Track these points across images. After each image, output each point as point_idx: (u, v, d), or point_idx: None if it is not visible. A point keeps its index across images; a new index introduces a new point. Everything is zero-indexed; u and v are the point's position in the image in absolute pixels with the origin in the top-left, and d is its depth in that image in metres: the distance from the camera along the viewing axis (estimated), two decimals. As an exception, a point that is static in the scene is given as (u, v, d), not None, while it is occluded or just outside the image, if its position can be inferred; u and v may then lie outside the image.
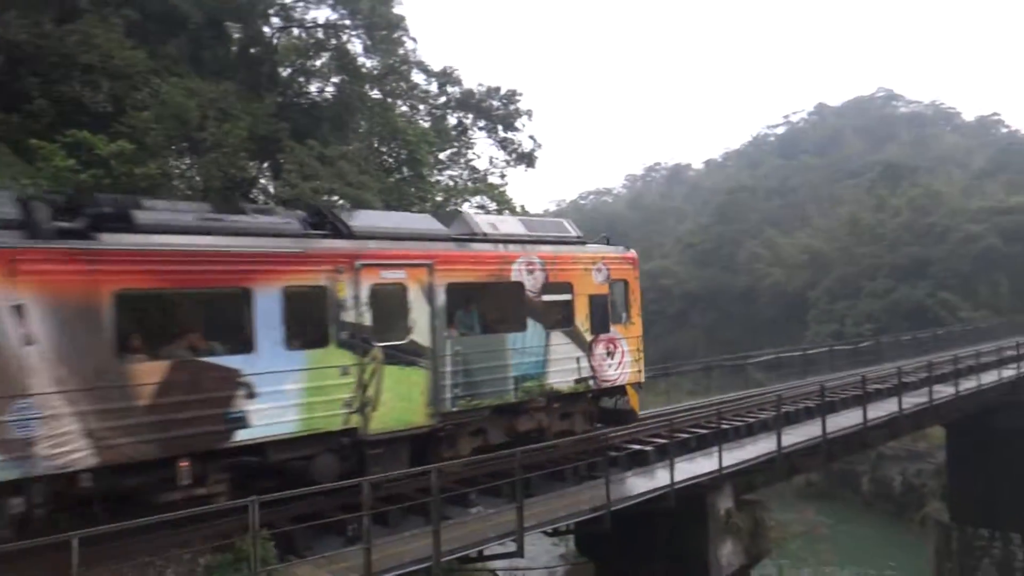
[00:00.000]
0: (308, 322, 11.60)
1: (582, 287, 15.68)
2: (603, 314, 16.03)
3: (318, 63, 25.46)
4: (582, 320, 15.60)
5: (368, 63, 27.18)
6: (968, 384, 23.84)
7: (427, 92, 31.17)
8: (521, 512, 10.96)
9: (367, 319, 12.07)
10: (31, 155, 16.64)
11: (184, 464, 10.07)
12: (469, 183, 31.86)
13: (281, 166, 21.16)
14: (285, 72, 24.93)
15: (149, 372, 9.86)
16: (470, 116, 32.21)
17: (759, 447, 16.80)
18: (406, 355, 12.59)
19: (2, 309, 8.80)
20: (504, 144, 32.62)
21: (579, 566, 20.99)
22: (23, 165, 16.80)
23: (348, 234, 12.50)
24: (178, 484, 10.06)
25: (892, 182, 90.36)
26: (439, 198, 28.47)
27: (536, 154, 32.89)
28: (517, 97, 32.03)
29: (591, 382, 15.70)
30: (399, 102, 29.34)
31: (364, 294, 12.09)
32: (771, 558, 18.37)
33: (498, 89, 32.03)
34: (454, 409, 13.19)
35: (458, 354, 13.33)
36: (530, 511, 11.53)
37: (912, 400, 21.07)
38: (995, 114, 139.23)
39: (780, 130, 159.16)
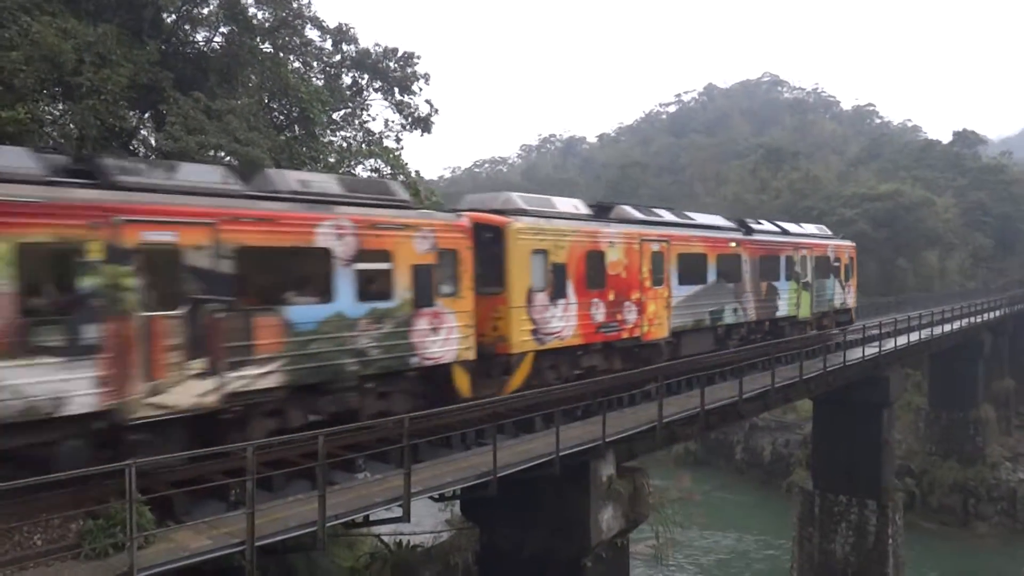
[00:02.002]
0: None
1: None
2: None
3: (205, 11, 24.18)
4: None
5: (260, 15, 26.09)
6: (835, 361, 25.38)
7: (321, 49, 30.14)
8: (408, 478, 11.02)
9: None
10: None
11: None
12: (364, 145, 31.18)
13: (164, 117, 20.09)
14: (169, 18, 23.55)
15: None
16: (366, 77, 31.39)
17: (640, 416, 17.40)
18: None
19: None
20: (400, 107, 32.03)
21: (464, 531, 21.27)
22: None
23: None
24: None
25: (774, 165, 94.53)
26: (332, 159, 27.78)
27: (433, 119, 32.48)
28: (415, 60, 31.46)
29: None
30: (291, 57, 28.26)
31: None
32: (648, 523, 19.13)
33: (395, 51, 31.33)
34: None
35: None
36: (417, 476, 11.64)
37: (784, 375, 22.28)
38: (870, 104, 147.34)
39: (671, 108, 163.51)
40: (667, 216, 23.09)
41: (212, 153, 19.40)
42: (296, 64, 28.10)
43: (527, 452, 14.12)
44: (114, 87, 18.38)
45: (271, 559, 9.95)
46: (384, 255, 14.23)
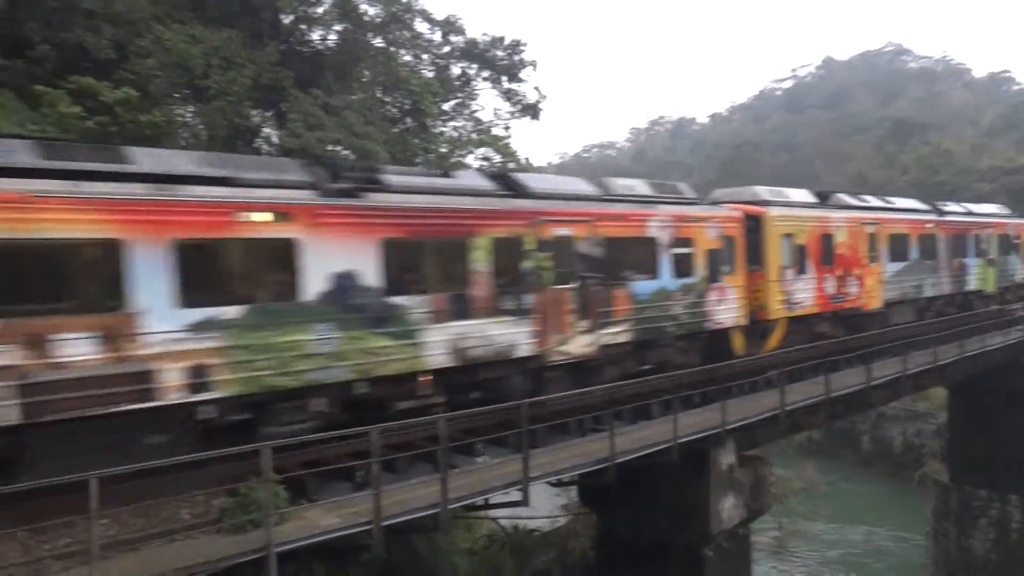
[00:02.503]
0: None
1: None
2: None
3: (320, 10, 25.00)
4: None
5: (371, 11, 26.72)
6: (973, 346, 23.85)
7: (430, 41, 30.60)
8: (527, 462, 11.10)
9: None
10: (36, 101, 16.49)
11: None
12: (473, 135, 31.55)
13: (285, 115, 20.94)
14: (287, 20, 24.49)
15: None
16: (474, 66, 31.67)
17: (762, 403, 16.90)
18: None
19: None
20: (508, 95, 32.16)
21: (581, 517, 21.27)
22: (28, 111, 16.67)
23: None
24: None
25: (901, 139, 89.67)
26: (443, 149, 28.23)
27: (540, 106, 32.46)
28: (521, 47, 31.50)
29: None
30: (402, 51, 28.84)
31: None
32: (771, 513, 18.57)
33: (502, 39, 31.46)
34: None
35: None
36: (535, 462, 11.68)
37: (916, 360, 21.11)
38: (1006, 71, 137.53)
39: (787, 84, 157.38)
40: (874, 201, 26.84)
41: (330, 147, 20.05)
42: (407, 57, 28.67)
43: (644, 439, 13.95)
44: (239, 88, 19.30)
45: (394, 538, 10.25)
46: (688, 242, 18.29)
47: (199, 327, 10.69)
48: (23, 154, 10.00)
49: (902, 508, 40.28)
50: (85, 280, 10.06)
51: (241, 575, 8.73)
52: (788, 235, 21.41)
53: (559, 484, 15.19)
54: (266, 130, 24.80)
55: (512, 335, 14.40)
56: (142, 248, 10.24)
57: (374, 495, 9.38)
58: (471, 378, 14.10)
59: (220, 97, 19.23)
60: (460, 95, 31.43)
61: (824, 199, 24.60)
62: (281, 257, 11.58)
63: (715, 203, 21.33)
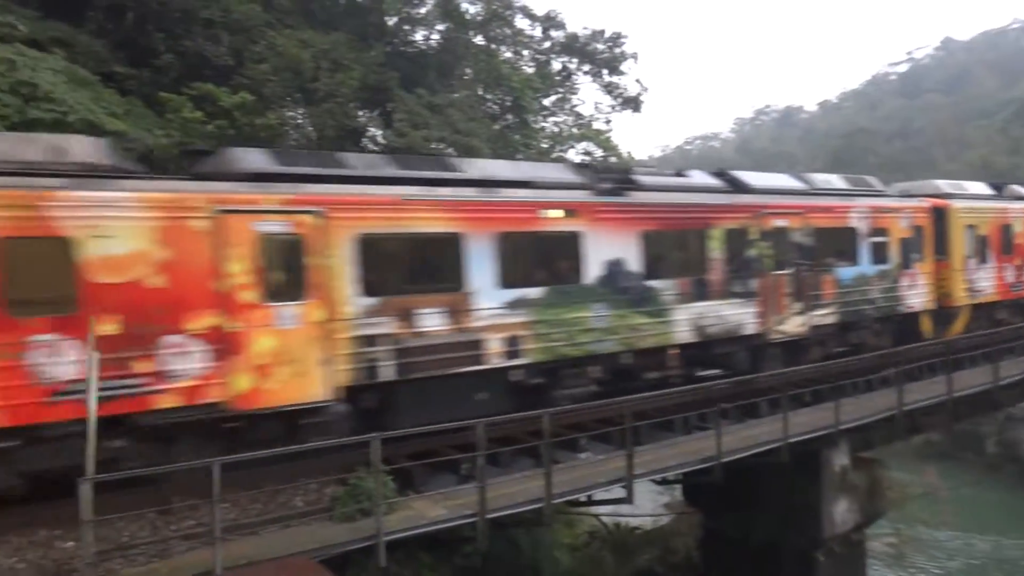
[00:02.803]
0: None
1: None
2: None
3: (423, 11, 25.50)
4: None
5: (471, 9, 27.06)
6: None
7: (531, 37, 30.76)
8: (631, 459, 10.99)
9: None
10: (161, 108, 17.47)
11: None
12: (574, 129, 31.48)
13: (390, 115, 21.45)
14: (391, 21, 25.08)
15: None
16: (574, 61, 31.61)
17: (878, 403, 16.16)
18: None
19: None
20: (609, 88, 31.94)
21: (685, 515, 20.89)
22: (154, 117, 17.68)
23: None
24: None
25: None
26: (544, 145, 28.29)
27: (642, 98, 32.14)
28: (622, 40, 31.22)
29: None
30: (503, 48, 29.09)
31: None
32: (888, 519, 17.76)
33: (603, 32, 31.27)
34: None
35: None
36: (639, 459, 11.51)
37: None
38: None
39: (902, 68, 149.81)
40: None
41: (434, 145, 20.42)
42: (507, 54, 28.90)
43: (752, 438, 13.55)
44: (347, 89, 19.92)
45: (497, 531, 10.34)
46: (884, 231, 19.58)
47: (513, 305, 13.06)
48: (389, 166, 12.69)
49: (1035, 517, 37.64)
50: (436, 266, 12.54)
51: (351, 561, 9.02)
52: (970, 226, 22.37)
53: (663, 482, 14.94)
54: (371, 130, 25.51)
55: (741, 315, 16.42)
56: (474, 240, 12.63)
57: (479, 488, 9.50)
58: (706, 353, 16.10)
59: (329, 99, 19.90)
60: (560, 90, 31.44)
61: (999, 190, 25.02)
62: (569, 247, 13.96)
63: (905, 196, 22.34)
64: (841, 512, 15.25)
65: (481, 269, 12.68)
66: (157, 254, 9.77)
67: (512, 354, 13.01)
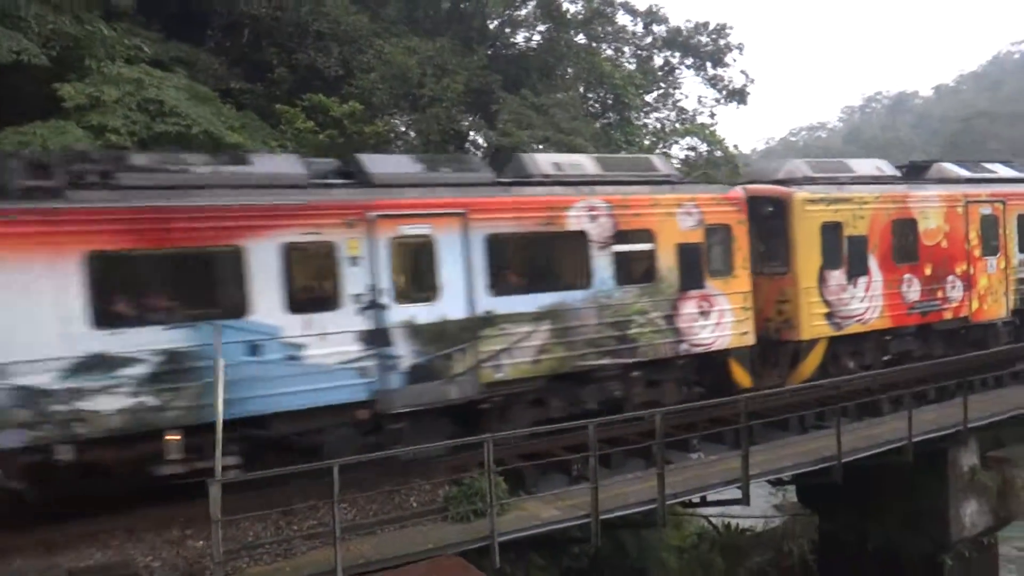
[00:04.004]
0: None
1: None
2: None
3: (524, 12, 25.68)
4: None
5: (572, 8, 27.06)
6: None
7: (632, 33, 30.47)
8: (747, 459, 10.80)
9: None
10: (276, 119, 18.29)
11: None
12: (677, 124, 31.01)
13: (494, 116, 21.75)
14: (493, 24, 25.39)
15: None
16: (677, 55, 31.11)
17: (1008, 400, 15.30)
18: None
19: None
20: (713, 82, 31.28)
21: (799, 517, 20.30)
22: (269, 129, 18.53)
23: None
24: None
25: None
26: (647, 142, 28.00)
27: (748, 90, 31.31)
28: (727, 31, 30.51)
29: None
30: (604, 45, 28.97)
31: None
32: (1022, 521, 16.77)
33: (706, 24, 30.64)
34: None
35: None
36: (753, 459, 11.28)
37: None
38: None
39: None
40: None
41: (537, 146, 20.59)
42: (608, 52, 28.74)
43: (872, 437, 13.10)
44: (452, 94, 20.31)
45: (606, 532, 10.34)
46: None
47: None
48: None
49: None
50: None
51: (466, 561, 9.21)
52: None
53: (778, 483, 14.57)
54: (472, 133, 25.89)
55: None
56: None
57: (592, 488, 9.52)
58: None
59: (434, 104, 20.35)
60: (663, 85, 31.01)
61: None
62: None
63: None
64: (970, 514, 14.58)
65: None
66: (944, 228, 17.42)
67: None
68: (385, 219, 11.02)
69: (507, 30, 25.87)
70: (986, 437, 14.91)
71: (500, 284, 11.90)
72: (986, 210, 18.41)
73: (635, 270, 13.30)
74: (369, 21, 21.29)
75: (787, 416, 13.72)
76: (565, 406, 12.59)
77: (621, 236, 13.06)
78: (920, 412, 13.79)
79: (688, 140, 29.92)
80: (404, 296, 11.13)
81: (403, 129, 22.30)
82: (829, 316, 15.71)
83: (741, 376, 14.53)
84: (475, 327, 11.59)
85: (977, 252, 18.17)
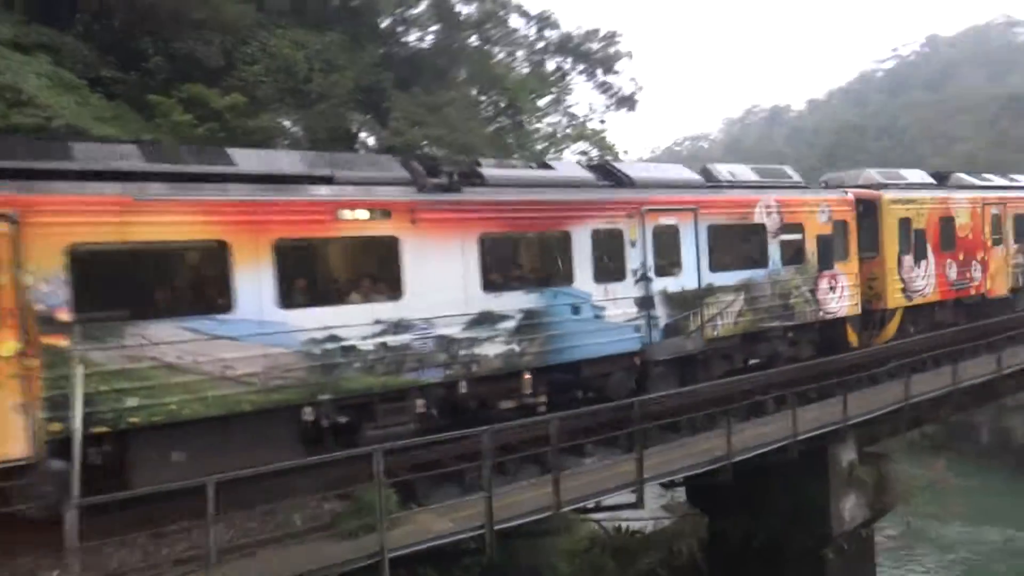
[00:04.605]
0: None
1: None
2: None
3: (416, 11, 25.25)
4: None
5: (466, 10, 26.84)
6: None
7: (525, 37, 30.56)
8: (641, 462, 10.74)
9: None
10: (150, 111, 17.14)
11: None
12: (568, 130, 31.29)
13: (385, 115, 21.19)
14: (385, 23, 24.82)
15: None
16: (569, 60, 31.42)
17: (883, 397, 15.99)
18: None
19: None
20: (604, 88, 31.78)
21: (689, 517, 20.66)
22: (143, 121, 17.35)
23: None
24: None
25: (1016, 114, 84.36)
26: (539, 146, 28.06)
27: (637, 97, 31.97)
28: (616, 38, 31.09)
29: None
30: (497, 49, 28.88)
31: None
32: (897, 513, 17.59)
33: (597, 31, 31.14)
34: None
35: None
36: (647, 462, 11.25)
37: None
38: None
39: (888, 64, 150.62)
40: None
41: (425, 145, 20.20)
42: (501, 55, 28.65)
43: (760, 436, 13.33)
44: (341, 91, 19.63)
45: (500, 541, 10.05)
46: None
47: None
48: None
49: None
50: None
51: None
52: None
53: (669, 485, 14.68)
54: (362, 134, 25.23)
55: None
56: None
57: (486, 498, 9.20)
58: None
59: (323, 100, 19.61)
60: (555, 90, 31.21)
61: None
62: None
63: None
64: (849, 508, 15.06)
65: None
66: (970, 224, 22.04)
67: None
68: (651, 212, 14.54)
69: (399, 29, 25.38)
70: (863, 433, 15.47)
71: (716, 263, 15.60)
72: (995, 210, 23.86)
73: (792, 254, 17.26)
74: (254, 11, 20.29)
75: (678, 419, 13.83)
76: (743, 359, 16.78)
77: (785, 228, 17.10)
78: (803, 411, 14.18)
79: (579, 145, 30.21)
80: (661, 271, 14.61)
81: (289, 125, 21.39)
82: (904, 290, 20.35)
83: (852, 337, 18.93)
84: (702, 296, 15.27)
85: (989, 243, 23.43)
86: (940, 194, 22.13)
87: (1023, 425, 47.39)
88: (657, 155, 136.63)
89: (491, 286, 12.25)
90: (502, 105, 26.41)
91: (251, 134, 17.00)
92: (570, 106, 31.56)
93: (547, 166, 14.77)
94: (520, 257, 13.19)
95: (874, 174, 21.60)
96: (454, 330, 11.76)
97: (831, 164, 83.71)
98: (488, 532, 9.23)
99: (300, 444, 10.67)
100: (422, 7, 24.93)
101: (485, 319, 12.11)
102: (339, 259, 11.47)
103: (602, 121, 32.62)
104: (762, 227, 16.64)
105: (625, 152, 33.04)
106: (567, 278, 13.25)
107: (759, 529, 15.61)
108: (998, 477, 44.79)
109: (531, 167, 14.50)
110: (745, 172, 17.82)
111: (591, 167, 15.62)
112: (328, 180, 11.20)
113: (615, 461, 12.01)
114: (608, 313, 13.68)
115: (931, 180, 23.25)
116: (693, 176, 16.58)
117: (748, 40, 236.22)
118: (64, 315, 8.84)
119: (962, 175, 25.13)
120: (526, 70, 29.40)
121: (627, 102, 31.56)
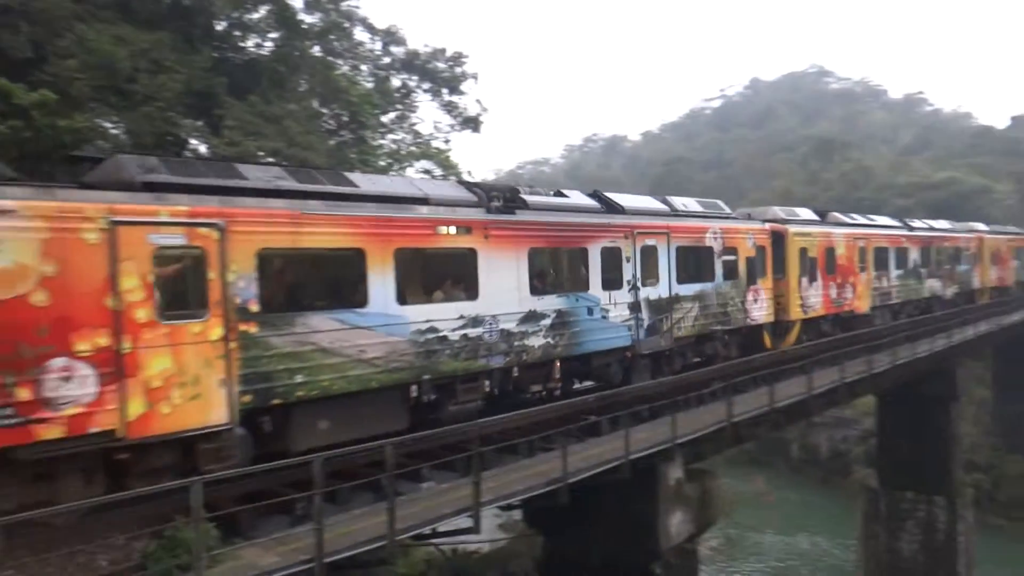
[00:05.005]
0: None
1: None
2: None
3: (256, 16, 24.14)
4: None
5: (309, 18, 26.00)
6: (904, 354, 24.35)
7: (371, 51, 30.04)
8: (478, 486, 10.58)
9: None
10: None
11: None
12: (412, 147, 30.97)
13: (219, 123, 19.99)
14: (220, 25, 23.54)
15: None
16: (415, 78, 31.22)
17: (706, 417, 16.74)
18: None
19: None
20: (449, 108, 31.79)
21: (525, 537, 20.79)
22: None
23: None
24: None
25: (824, 157, 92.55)
26: (382, 163, 27.57)
27: (482, 119, 32.20)
28: (463, 59, 31.22)
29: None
30: (341, 61, 28.18)
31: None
32: (719, 526, 18.48)
33: (444, 51, 31.14)
34: None
35: None
36: (484, 485, 11.13)
37: (852, 369, 21.38)
38: (920, 92, 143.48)
39: (716, 103, 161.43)
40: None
41: (262, 154, 19.21)
42: (345, 68, 27.96)
43: (595, 456, 13.55)
44: (169, 93, 18.33)
45: (332, 574, 9.57)
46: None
47: None
48: None
49: (839, 512, 40.96)
50: None
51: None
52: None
53: (507, 507, 14.66)
54: (192, 141, 23.77)
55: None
56: None
57: (316, 530, 8.71)
58: None
59: (148, 102, 18.22)
60: (400, 107, 30.85)
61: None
62: None
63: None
64: (676, 524, 15.50)
65: None
66: (846, 254, 26.97)
67: None
68: (640, 234, 18.08)
69: (237, 33, 24.12)
70: (689, 451, 16.08)
71: (681, 277, 19.24)
72: (862, 244, 29.06)
73: (730, 271, 21.26)
74: (71, 1, 18.58)
75: (517, 441, 13.82)
76: (694, 356, 20.57)
77: (726, 250, 21.12)
78: (635, 431, 14.57)
79: (423, 163, 29.98)
80: (645, 282, 18.17)
81: (109, 127, 19.69)
82: (802, 306, 25.02)
83: (767, 341, 23.47)
84: (672, 303, 18.97)
85: (858, 270, 28.48)
86: (825, 229, 27.24)
87: (827, 441, 51.75)
88: (500, 177, 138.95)
89: (536, 290, 15.37)
90: (344, 119, 25.70)
91: (62, 135, 15.45)
92: (415, 124, 31.42)
93: (562, 194, 17.69)
94: (555, 267, 16.20)
95: (778, 211, 26.45)
96: (511, 325, 14.80)
97: (661, 192, 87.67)
98: (318, 565, 8.71)
99: (406, 417, 13.22)
100: (262, 12, 23.87)
101: (531, 317, 15.24)
102: (436, 265, 14.02)
103: (447, 141, 32.51)
104: (711, 249, 20.63)
105: (469, 173, 33.19)
106: (584, 285, 16.59)
107: (593, 547, 15.86)
108: (807, 489, 48.59)
109: (550, 194, 17.35)
110: (693, 204, 21.76)
111: (592, 195, 18.48)
112: (425, 201, 13.75)
113: (452, 485, 11.78)
114: (611, 315, 17.17)
115: (816, 217, 28.23)
116: (662, 206, 20.28)
117: (589, 72, 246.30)
118: (254, 306, 10.95)
119: (837, 214, 30.44)
120: (371, 85, 28.90)
121: (472, 123, 31.75)
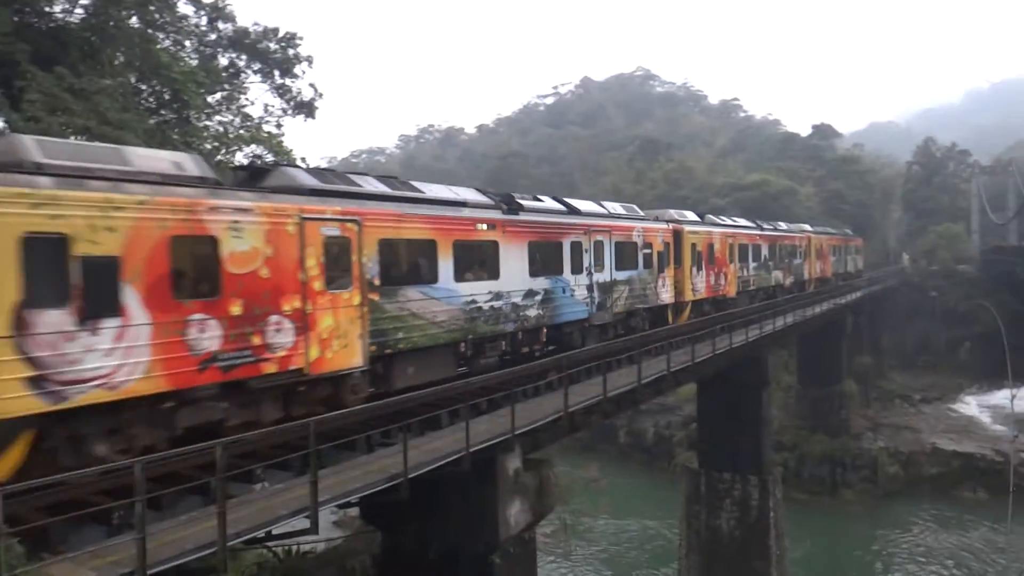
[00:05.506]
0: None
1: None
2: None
3: (64, -21, 21.98)
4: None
5: (126, -14, 23.94)
6: (723, 343, 26.00)
7: (196, 27, 28.17)
8: (315, 486, 10.20)
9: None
10: None
11: None
12: (242, 131, 29.41)
13: (19, 95, 18.00)
14: (21, -14, 21.21)
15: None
16: (244, 58, 29.65)
17: (544, 407, 17.08)
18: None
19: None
20: (281, 91, 30.47)
21: (361, 534, 20.38)
22: None
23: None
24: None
25: (649, 156, 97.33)
26: (208, 145, 25.99)
27: (316, 103, 31.11)
28: (297, 41, 29.97)
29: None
30: (162, 35, 26.23)
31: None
32: (556, 513, 18.98)
33: (276, 31, 29.77)
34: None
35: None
36: (322, 483, 10.75)
37: (677, 359, 22.53)
38: (735, 99, 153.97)
39: (549, 100, 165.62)
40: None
41: (75, 136, 17.50)
42: (167, 43, 26.08)
43: (435, 450, 13.46)
44: (-43, 58, 16.30)
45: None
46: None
47: None
48: None
49: (668, 496, 43.28)
50: None
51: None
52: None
53: (346, 505, 14.26)
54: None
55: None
56: None
57: (138, 540, 8.04)
58: None
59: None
60: (228, 87, 29.19)
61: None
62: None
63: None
64: (515, 514, 15.73)
65: None
66: (719, 248, 33.60)
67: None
68: (592, 231, 23.39)
69: (41, -4, 21.85)
70: (527, 441, 16.37)
71: (619, 265, 24.67)
72: (731, 241, 35.64)
73: (647, 262, 26.75)
74: None
75: (355, 437, 13.48)
76: (623, 329, 25.41)
77: (646, 245, 26.77)
78: (475, 423, 14.64)
79: (253, 148, 28.54)
80: (596, 269, 23.27)
81: None
82: (693, 290, 30.98)
83: (670, 318, 29.02)
84: (612, 285, 24.31)
85: (729, 262, 35.02)
86: (707, 228, 33.33)
87: (652, 427, 54.61)
88: (334, 164, 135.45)
89: (533, 273, 20.19)
90: (166, 97, 23.98)
91: None
92: (244, 106, 29.81)
93: (538, 199, 22.41)
94: (543, 256, 20.81)
95: (674, 214, 32.35)
96: (517, 299, 19.59)
97: (496, 186, 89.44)
98: (139, 577, 8.07)
99: (455, 367, 17.93)
100: (71, -25, 21.78)
101: (530, 293, 20.07)
102: (475, 253, 18.39)
103: (279, 125, 31.13)
104: (636, 244, 26.10)
105: (303, 159, 31.97)
106: (560, 270, 21.61)
107: (434, 539, 15.79)
108: (635, 473, 51.07)
109: (534, 199, 22.07)
110: (618, 208, 27.38)
111: (557, 200, 23.66)
112: (464, 204, 18.30)
113: (288, 485, 11.33)
114: (576, 294, 22.31)
115: (698, 219, 34.34)
116: (602, 209, 25.65)
117: (425, 62, 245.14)
118: (377, 281, 15.20)
119: (712, 216, 37.04)
120: (195, 62, 27.10)
121: (305, 108, 30.57)
